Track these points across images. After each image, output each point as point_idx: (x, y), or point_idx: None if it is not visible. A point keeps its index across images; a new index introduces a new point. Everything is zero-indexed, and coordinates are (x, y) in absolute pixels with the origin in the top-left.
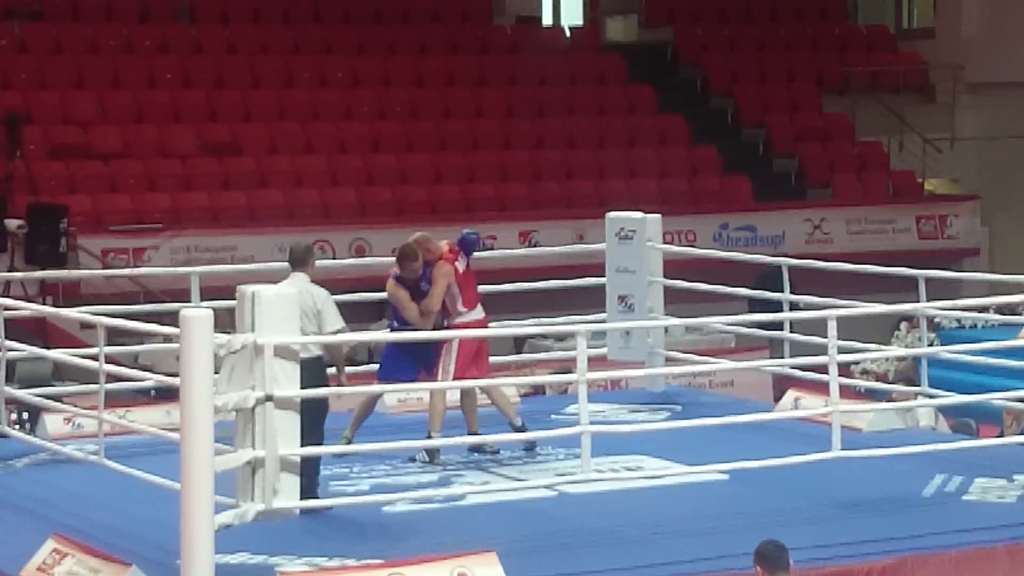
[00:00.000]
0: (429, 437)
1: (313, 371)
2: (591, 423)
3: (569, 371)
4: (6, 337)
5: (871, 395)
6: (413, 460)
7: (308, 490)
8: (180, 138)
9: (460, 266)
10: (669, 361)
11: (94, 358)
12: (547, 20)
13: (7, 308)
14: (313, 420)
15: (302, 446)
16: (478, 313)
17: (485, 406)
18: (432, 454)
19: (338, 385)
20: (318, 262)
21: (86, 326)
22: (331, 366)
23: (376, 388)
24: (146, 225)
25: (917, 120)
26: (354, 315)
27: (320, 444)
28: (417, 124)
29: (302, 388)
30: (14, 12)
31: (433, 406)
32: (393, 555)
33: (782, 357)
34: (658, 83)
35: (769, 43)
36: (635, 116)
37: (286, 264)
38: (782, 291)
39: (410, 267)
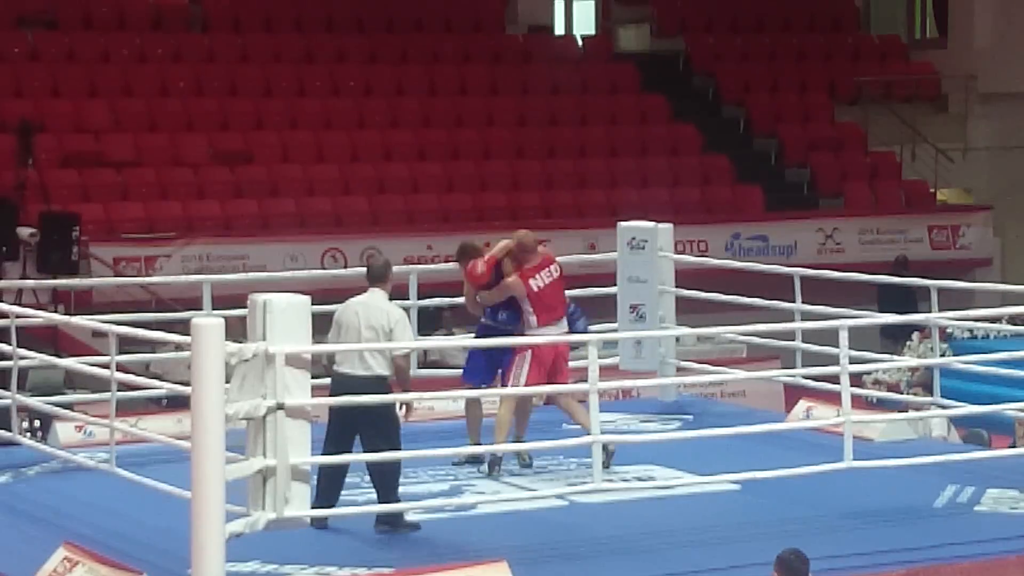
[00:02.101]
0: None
1: (383, 391)
2: (602, 433)
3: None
4: (18, 345)
5: (883, 405)
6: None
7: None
8: (192, 147)
9: (535, 284)
10: (680, 371)
11: (106, 366)
12: (559, 29)
13: (19, 316)
14: (392, 438)
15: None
16: (550, 330)
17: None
18: (492, 465)
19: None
20: (330, 271)
21: (98, 334)
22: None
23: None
24: (158, 234)
25: (929, 130)
26: None
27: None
28: (429, 133)
29: (374, 409)
30: (27, 21)
31: (498, 416)
32: (404, 564)
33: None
34: (670, 92)
35: (781, 53)
36: (647, 125)
37: (298, 272)
38: (908, 288)
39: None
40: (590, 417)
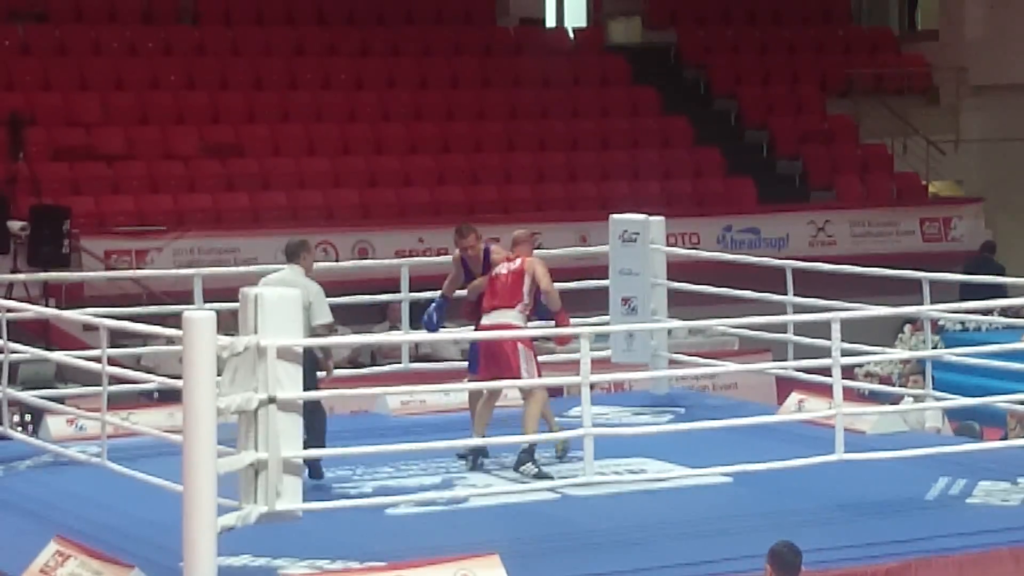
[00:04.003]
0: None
1: (312, 362)
2: (594, 425)
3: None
4: (9, 339)
5: (875, 398)
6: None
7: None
8: (183, 140)
9: (496, 270)
10: (672, 363)
11: (97, 360)
12: (550, 22)
13: (10, 310)
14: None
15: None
16: (485, 319)
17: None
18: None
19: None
20: (321, 264)
21: (89, 328)
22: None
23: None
24: (149, 227)
25: (921, 122)
26: (356, 317)
27: (320, 430)
28: (420, 126)
29: (305, 383)
30: (18, 13)
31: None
32: (396, 557)
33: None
34: (661, 85)
35: (773, 45)
36: (638, 118)
37: (288, 265)
38: (996, 272)
39: (460, 242)
40: (530, 422)
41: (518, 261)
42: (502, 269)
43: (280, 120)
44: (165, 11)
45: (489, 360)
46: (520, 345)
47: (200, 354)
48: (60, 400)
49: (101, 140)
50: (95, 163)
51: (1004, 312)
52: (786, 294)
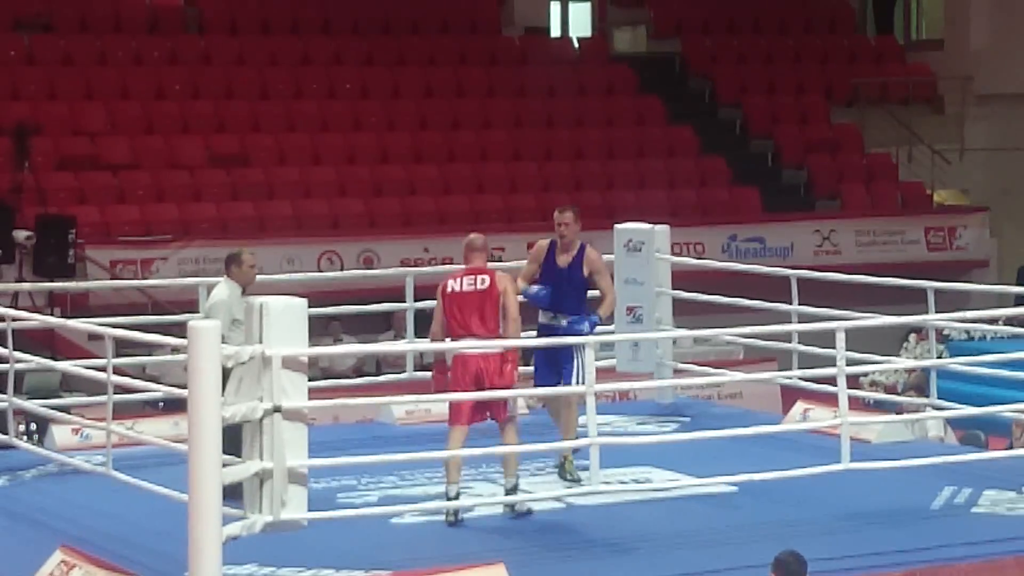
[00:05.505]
0: None
1: None
2: (599, 435)
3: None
4: (14, 348)
5: (880, 407)
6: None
7: None
8: (189, 149)
9: (452, 286)
10: (677, 373)
11: (102, 369)
12: (555, 31)
13: (15, 319)
14: None
15: None
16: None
17: None
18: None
19: None
20: (327, 274)
21: (94, 337)
22: None
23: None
24: (154, 236)
25: (926, 131)
26: (361, 326)
27: None
28: (425, 135)
29: None
30: (23, 23)
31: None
32: (401, 567)
33: None
34: (667, 94)
35: (778, 54)
36: (644, 127)
37: (296, 275)
38: None
39: (558, 216)
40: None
41: (487, 279)
42: (464, 286)
43: (285, 129)
44: (170, 21)
45: (481, 400)
46: (508, 366)
47: (205, 363)
48: (65, 409)
49: (106, 149)
50: (100, 172)
51: (1009, 321)
52: (791, 303)
